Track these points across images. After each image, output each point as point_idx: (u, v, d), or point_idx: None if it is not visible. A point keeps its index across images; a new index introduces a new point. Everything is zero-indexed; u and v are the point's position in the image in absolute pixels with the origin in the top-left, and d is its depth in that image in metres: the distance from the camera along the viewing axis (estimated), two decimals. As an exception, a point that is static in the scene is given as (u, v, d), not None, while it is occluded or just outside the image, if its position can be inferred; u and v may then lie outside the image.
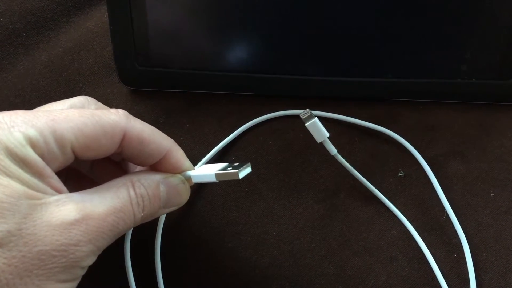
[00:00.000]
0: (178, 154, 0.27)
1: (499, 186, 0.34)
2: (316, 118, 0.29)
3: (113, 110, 0.25)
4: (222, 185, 0.34)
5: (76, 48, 0.36)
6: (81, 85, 0.36)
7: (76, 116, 0.23)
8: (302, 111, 0.30)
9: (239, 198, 0.34)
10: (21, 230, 0.20)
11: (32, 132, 0.21)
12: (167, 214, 0.34)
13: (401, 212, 0.33)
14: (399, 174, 0.34)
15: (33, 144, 0.21)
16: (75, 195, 0.22)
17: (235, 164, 0.28)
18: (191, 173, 0.28)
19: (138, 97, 0.36)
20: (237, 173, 0.26)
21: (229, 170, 0.27)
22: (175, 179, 0.26)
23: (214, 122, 0.35)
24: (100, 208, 0.22)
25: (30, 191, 0.21)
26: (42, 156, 0.21)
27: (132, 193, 0.24)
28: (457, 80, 0.34)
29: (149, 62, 0.35)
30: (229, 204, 0.34)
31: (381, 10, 0.33)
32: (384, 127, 0.34)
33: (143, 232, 0.34)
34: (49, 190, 0.22)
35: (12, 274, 0.20)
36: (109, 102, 0.36)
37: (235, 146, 0.35)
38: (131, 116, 0.25)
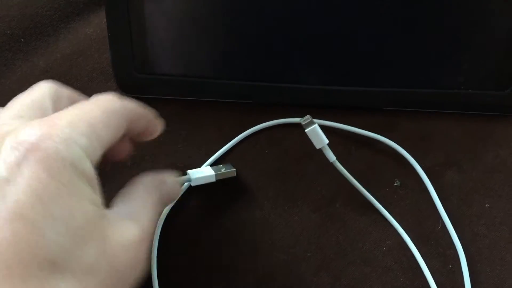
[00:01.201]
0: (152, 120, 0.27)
1: (495, 197, 0.34)
2: (316, 125, 0.30)
3: (106, 95, 0.24)
4: (217, 192, 0.34)
5: (75, 54, 0.36)
6: (79, 91, 0.36)
7: (97, 112, 0.22)
8: (302, 117, 0.30)
9: (235, 206, 0.34)
10: (105, 253, 0.20)
11: (84, 143, 0.20)
12: (163, 217, 0.34)
13: (397, 222, 0.34)
14: (395, 184, 0.34)
15: (88, 154, 0.20)
16: (121, 210, 0.23)
17: (220, 165, 0.34)
18: (191, 176, 0.31)
19: (136, 104, 0.36)
20: (233, 171, 0.33)
21: (227, 170, 0.33)
22: (171, 179, 0.28)
23: (212, 130, 0.35)
24: (145, 220, 0.23)
25: (99, 211, 0.20)
26: (93, 164, 0.21)
27: (155, 199, 0.25)
28: (454, 91, 0.34)
29: (147, 69, 0.35)
30: (224, 212, 0.34)
31: (380, 21, 0.33)
32: (381, 136, 0.34)
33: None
34: (100, 201, 0.21)
35: None
36: (107, 108, 0.36)
37: (232, 154, 0.35)
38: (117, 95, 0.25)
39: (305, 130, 0.30)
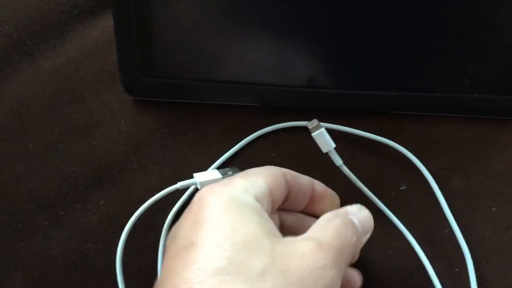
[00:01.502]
0: (317, 183, 0.31)
1: (501, 201, 0.34)
2: (323, 128, 0.30)
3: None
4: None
5: (81, 57, 0.36)
6: (85, 94, 0.36)
7: (252, 170, 0.28)
8: (310, 121, 0.30)
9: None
10: (274, 261, 0.22)
11: (240, 183, 0.25)
12: (169, 220, 0.34)
13: (404, 225, 0.34)
14: (402, 188, 0.34)
15: (246, 190, 0.25)
16: (301, 236, 0.25)
17: (227, 168, 0.33)
18: (198, 179, 0.31)
19: (142, 107, 0.36)
20: None
21: (235, 173, 0.32)
22: (354, 207, 0.28)
23: (218, 133, 0.35)
24: (324, 238, 0.24)
25: (265, 230, 0.23)
26: (256, 199, 0.25)
27: (338, 226, 0.26)
28: (460, 95, 0.34)
29: (154, 72, 0.35)
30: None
31: (386, 25, 0.33)
32: (388, 139, 0.34)
33: (145, 241, 0.34)
34: (274, 228, 0.24)
35: None
36: (113, 111, 0.36)
37: (238, 158, 0.35)
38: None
39: (312, 134, 0.30)
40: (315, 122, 0.30)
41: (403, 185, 0.34)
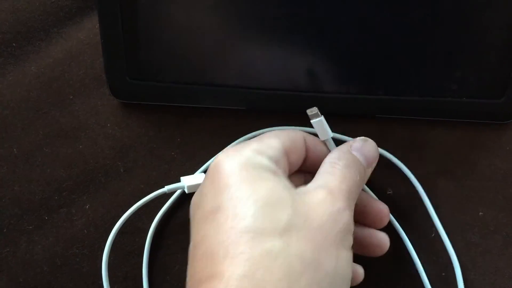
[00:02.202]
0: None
1: (488, 205, 0.34)
2: (322, 117, 0.30)
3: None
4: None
5: (67, 59, 0.36)
6: (71, 97, 0.36)
7: (269, 133, 0.29)
8: (309, 108, 0.30)
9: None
10: (296, 213, 0.24)
11: (254, 146, 0.27)
12: (155, 224, 0.34)
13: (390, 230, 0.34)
14: (388, 192, 0.34)
15: (260, 152, 0.26)
16: (311, 185, 0.27)
17: None
18: (185, 183, 0.32)
19: (129, 110, 0.35)
20: None
21: None
22: (357, 142, 0.30)
23: (206, 137, 0.35)
24: (331, 184, 0.26)
25: (282, 184, 0.25)
26: (270, 160, 0.26)
27: (341, 167, 0.28)
28: (448, 99, 0.34)
29: (141, 75, 0.34)
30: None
31: (373, 29, 0.33)
32: (375, 144, 0.34)
33: (131, 245, 0.34)
34: (289, 184, 0.26)
35: (313, 251, 0.23)
36: (100, 114, 0.35)
37: (226, 161, 0.35)
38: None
39: (311, 121, 0.30)
40: (314, 109, 0.30)
41: (389, 190, 0.34)
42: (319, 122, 0.30)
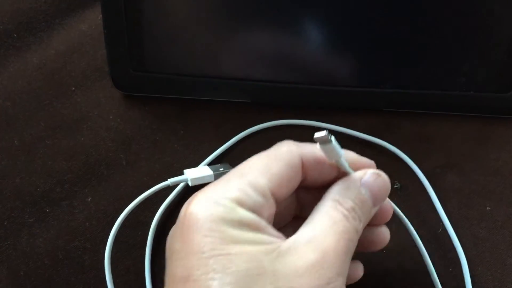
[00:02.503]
0: (350, 154, 0.27)
1: (495, 200, 0.34)
2: (333, 140, 0.24)
3: (280, 144, 0.25)
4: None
5: (69, 51, 0.36)
6: (73, 88, 0.35)
7: (257, 162, 0.24)
8: (318, 132, 0.24)
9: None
10: (278, 285, 0.20)
11: (234, 193, 0.22)
12: (158, 218, 0.33)
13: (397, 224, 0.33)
14: (395, 186, 0.34)
15: (240, 203, 0.22)
16: (299, 237, 0.22)
17: (218, 165, 0.33)
18: (188, 176, 0.31)
19: (132, 102, 0.35)
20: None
21: (226, 170, 0.32)
22: (369, 176, 0.25)
23: (209, 130, 0.35)
24: (327, 240, 0.22)
25: (263, 247, 0.21)
26: (252, 210, 0.22)
27: (345, 212, 0.24)
28: (455, 92, 0.33)
29: (143, 67, 0.34)
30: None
31: (380, 22, 0.32)
32: (381, 137, 0.34)
33: (134, 238, 0.34)
34: (274, 239, 0.22)
35: None
36: (102, 106, 0.35)
37: (229, 155, 0.34)
38: (297, 142, 0.25)
39: (319, 146, 0.24)
40: (323, 133, 0.23)
41: (397, 183, 0.34)
42: (330, 147, 0.24)
